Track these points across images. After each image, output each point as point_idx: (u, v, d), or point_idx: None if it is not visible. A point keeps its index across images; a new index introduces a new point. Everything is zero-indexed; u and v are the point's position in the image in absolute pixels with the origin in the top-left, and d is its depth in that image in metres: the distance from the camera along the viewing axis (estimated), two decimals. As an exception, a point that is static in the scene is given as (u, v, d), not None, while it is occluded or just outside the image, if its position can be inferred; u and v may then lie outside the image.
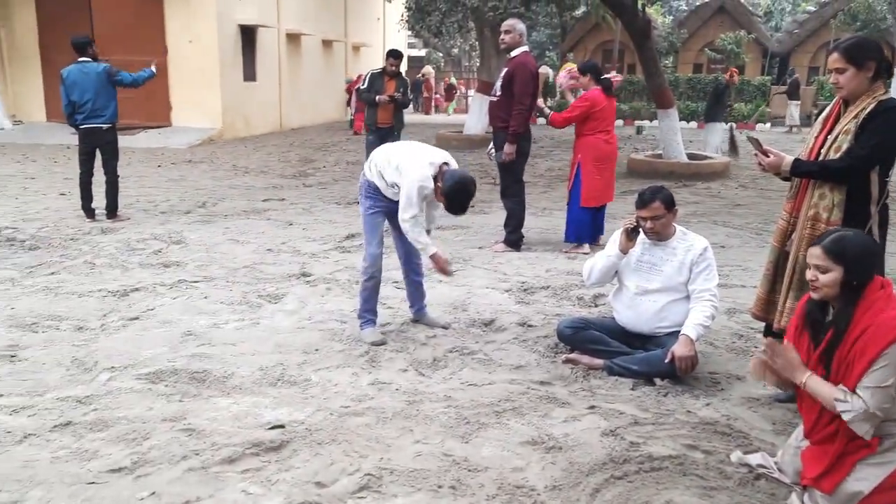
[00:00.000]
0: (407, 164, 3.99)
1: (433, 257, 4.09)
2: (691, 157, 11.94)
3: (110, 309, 4.81)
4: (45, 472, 2.80)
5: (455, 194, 3.87)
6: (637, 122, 21.82)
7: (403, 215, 3.99)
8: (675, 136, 11.63)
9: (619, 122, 22.49)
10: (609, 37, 27.75)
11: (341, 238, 7.03)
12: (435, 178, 3.96)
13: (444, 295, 5.18)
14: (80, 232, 7.09)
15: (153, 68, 8.12)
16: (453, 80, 33.54)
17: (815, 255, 2.55)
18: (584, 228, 6.58)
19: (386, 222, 4.40)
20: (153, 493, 2.65)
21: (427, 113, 30.06)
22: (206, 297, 5.10)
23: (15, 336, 4.27)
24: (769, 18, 34.29)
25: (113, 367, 3.83)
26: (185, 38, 16.44)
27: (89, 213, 7.71)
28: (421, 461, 2.89)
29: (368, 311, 4.39)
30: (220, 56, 16.62)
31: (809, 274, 2.58)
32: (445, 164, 4.02)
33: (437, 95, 31.99)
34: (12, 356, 3.96)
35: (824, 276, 2.52)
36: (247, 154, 14.36)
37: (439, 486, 2.71)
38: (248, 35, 18.01)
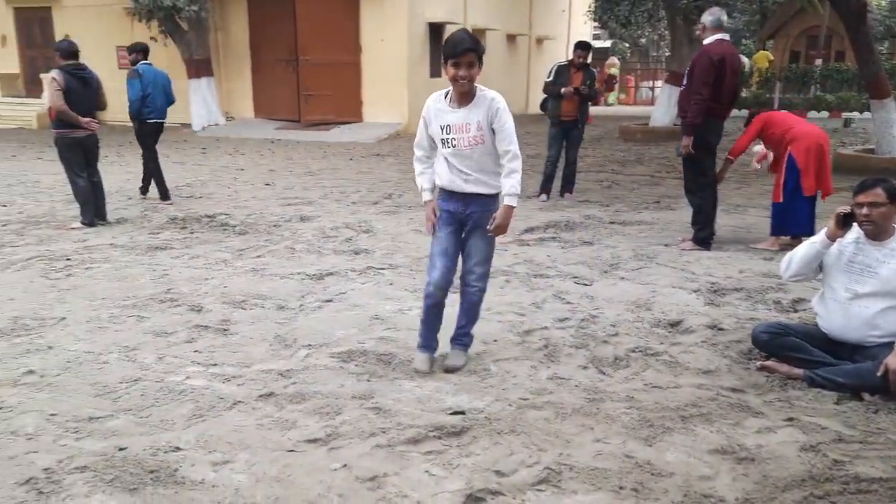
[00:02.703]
0: None
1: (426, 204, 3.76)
2: (910, 152, 10.75)
3: (308, 291, 5.16)
4: (251, 437, 3.06)
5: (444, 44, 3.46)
6: (845, 114, 19.95)
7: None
8: (890, 128, 10.52)
9: (825, 114, 20.70)
10: (815, 22, 25.56)
11: (520, 231, 7.06)
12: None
13: (625, 292, 5.06)
14: (282, 219, 7.67)
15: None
16: (613, 71, 32.28)
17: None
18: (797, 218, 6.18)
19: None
20: (344, 465, 2.82)
21: (595, 104, 29.10)
22: (391, 284, 5.32)
23: (227, 312, 4.71)
24: None
25: (310, 345, 4.11)
26: (378, 37, 17.22)
27: (167, 195, 8.74)
28: (602, 460, 2.84)
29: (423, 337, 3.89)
30: (408, 54, 17.25)
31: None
32: None
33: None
34: (225, 330, 4.37)
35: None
36: (431, 148, 14.79)
37: (621, 488, 2.65)
38: (436, 32, 18.52)
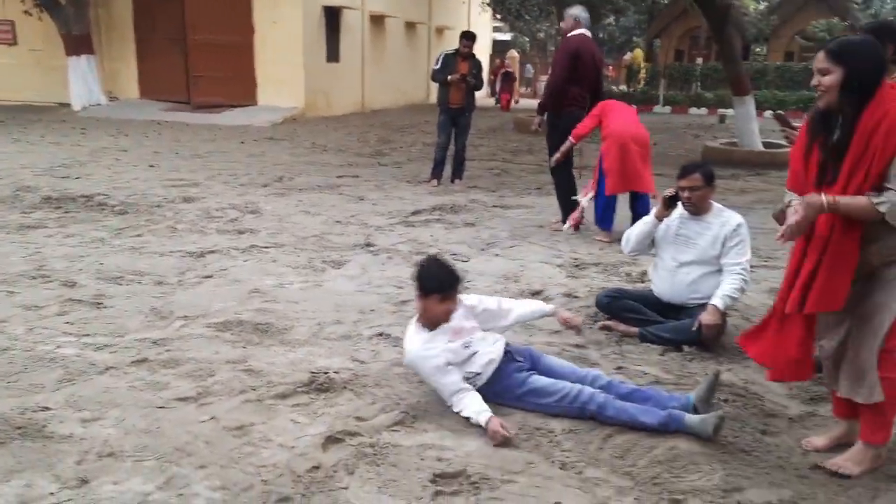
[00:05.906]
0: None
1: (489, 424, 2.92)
2: (767, 145, 11.69)
3: (187, 268, 5.22)
4: (122, 397, 3.17)
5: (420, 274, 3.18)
6: (720, 111, 21.25)
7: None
8: (749, 124, 11.42)
9: (703, 111, 21.91)
10: (697, 23, 27.05)
11: (408, 213, 7.30)
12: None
13: (498, 267, 5.40)
14: (164, 200, 7.60)
15: None
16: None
17: (819, 58, 2.48)
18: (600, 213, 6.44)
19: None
20: (213, 417, 2.99)
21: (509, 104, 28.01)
22: (274, 261, 5.46)
23: (102, 287, 4.72)
24: (868, 6, 32.61)
25: (186, 317, 4.21)
26: (271, 18, 17.02)
27: None
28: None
29: None
30: (303, 37, 17.14)
31: (815, 80, 2.51)
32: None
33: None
34: (98, 303, 4.40)
35: (826, 79, 2.45)
36: (326, 133, 14.84)
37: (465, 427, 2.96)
38: (333, 16, 18.47)
